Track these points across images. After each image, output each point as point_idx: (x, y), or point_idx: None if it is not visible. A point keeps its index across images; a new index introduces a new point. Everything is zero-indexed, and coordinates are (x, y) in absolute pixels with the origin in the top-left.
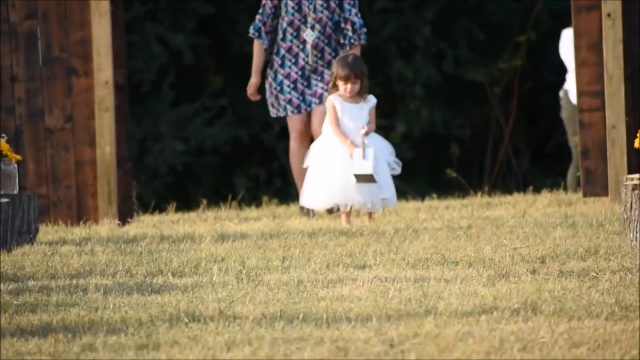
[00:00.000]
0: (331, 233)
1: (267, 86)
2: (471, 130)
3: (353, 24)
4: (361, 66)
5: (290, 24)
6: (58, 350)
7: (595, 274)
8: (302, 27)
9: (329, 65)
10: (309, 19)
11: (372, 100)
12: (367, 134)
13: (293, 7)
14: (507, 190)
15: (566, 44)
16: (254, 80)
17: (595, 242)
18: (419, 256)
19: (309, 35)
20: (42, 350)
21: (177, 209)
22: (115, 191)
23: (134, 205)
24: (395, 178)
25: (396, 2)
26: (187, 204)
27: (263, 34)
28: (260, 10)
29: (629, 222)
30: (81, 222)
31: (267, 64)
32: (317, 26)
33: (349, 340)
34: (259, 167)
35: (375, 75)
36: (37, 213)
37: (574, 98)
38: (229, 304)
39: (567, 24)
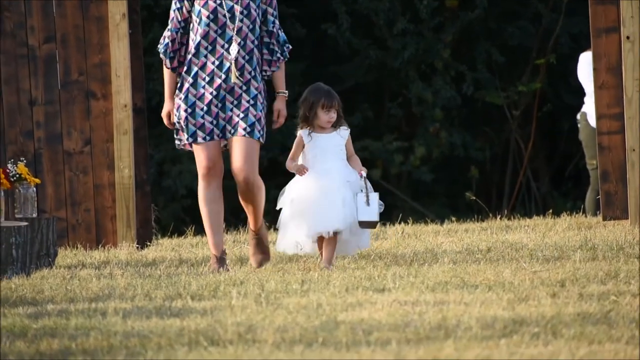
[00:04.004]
0: (350, 256)
1: (175, 109)
2: (490, 153)
3: (277, 36)
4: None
5: (205, 36)
6: None
7: (615, 298)
8: (219, 39)
9: (247, 87)
10: (227, 30)
11: (347, 130)
12: (365, 176)
13: (208, 17)
14: (527, 213)
15: (584, 67)
16: (169, 106)
17: (616, 265)
18: (438, 279)
19: (234, 50)
20: None
21: (196, 232)
22: (134, 214)
23: (153, 228)
24: (415, 201)
25: (416, 25)
26: None
27: (169, 52)
28: (169, 26)
29: None
30: (100, 246)
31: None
32: (237, 38)
33: None
34: (277, 190)
35: (394, 97)
36: (56, 236)
37: (592, 121)
38: (248, 328)
39: (586, 47)
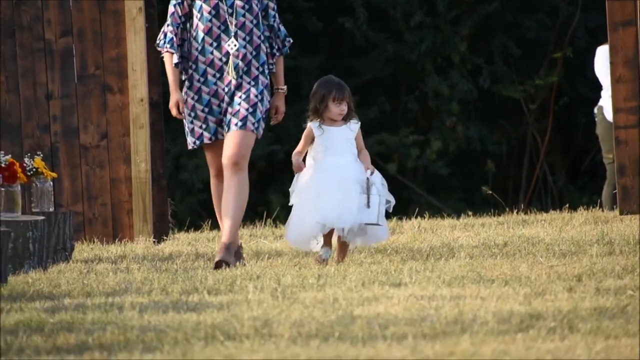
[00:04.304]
0: (366, 251)
1: (186, 111)
2: (507, 147)
3: (278, 31)
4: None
5: (209, 32)
6: None
7: (632, 292)
8: (223, 36)
9: (256, 82)
10: (230, 27)
11: (357, 123)
12: (371, 173)
13: (210, 12)
14: (543, 207)
15: (600, 61)
16: (177, 96)
17: (632, 260)
18: (454, 274)
19: (232, 46)
20: None
21: (213, 226)
22: (150, 208)
23: (169, 222)
24: (431, 195)
25: (432, 18)
26: None
27: (176, 46)
28: (169, 21)
29: None
30: (116, 240)
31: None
32: (241, 33)
33: (385, 359)
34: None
35: (411, 91)
36: (72, 231)
37: (608, 115)
38: (264, 322)
39: (603, 40)
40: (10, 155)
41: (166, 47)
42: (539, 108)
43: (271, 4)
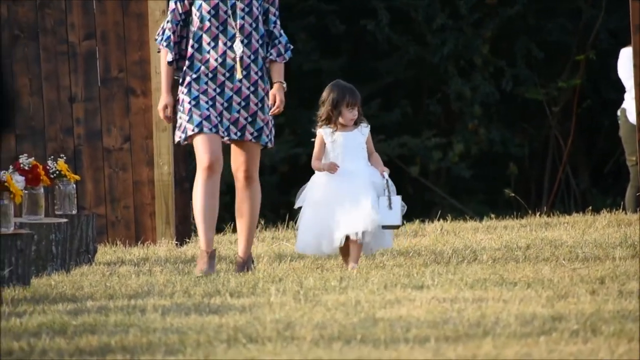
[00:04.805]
0: (389, 253)
1: (178, 104)
2: (529, 150)
3: (279, 37)
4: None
5: (207, 31)
6: None
7: None
8: (221, 36)
9: (255, 88)
10: (229, 28)
11: (367, 127)
12: (387, 177)
13: (209, 12)
14: (566, 210)
15: (624, 63)
16: (168, 100)
17: None
18: (477, 277)
19: (238, 48)
20: None
21: (235, 229)
22: (173, 211)
23: (192, 225)
24: (453, 198)
25: (455, 21)
26: None
27: (172, 44)
28: (169, 17)
29: None
30: (139, 242)
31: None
32: (239, 35)
33: None
34: None
35: (433, 93)
36: (95, 233)
37: (631, 117)
38: (286, 325)
39: (627, 42)
40: (33, 158)
41: (162, 44)
42: (561, 111)
43: (272, 9)
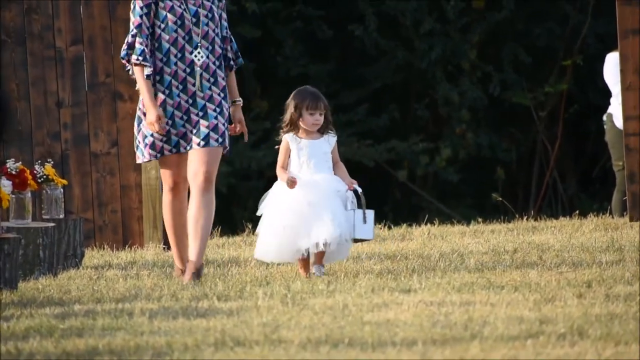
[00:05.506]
0: (376, 257)
1: (144, 124)
2: (517, 154)
3: (231, 42)
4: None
5: (174, 43)
6: None
7: None
8: (187, 46)
9: (225, 94)
10: (194, 36)
11: (334, 137)
12: (361, 191)
13: (175, 22)
14: (553, 214)
15: (610, 68)
16: (158, 112)
17: None
18: (464, 280)
19: (199, 57)
20: None
21: (222, 233)
22: (160, 215)
23: None
24: (441, 202)
25: (442, 25)
26: (232, 228)
27: (148, 58)
28: (135, 31)
29: None
30: (126, 247)
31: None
32: (204, 43)
33: None
34: None
35: (421, 98)
36: (82, 237)
37: (618, 122)
38: (274, 328)
39: (613, 47)
40: (20, 163)
41: (139, 60)
42: (548, 115)
43: (224, 15)
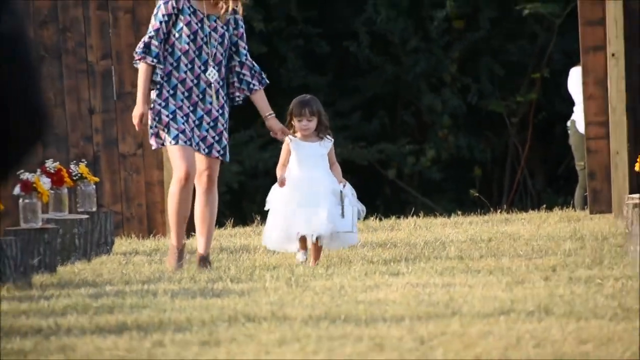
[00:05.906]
0: (369, 245)
1: (152, 115)
2: (492, 155)
3: (251, 68)
4: (317, 104)
5: (185, 53)
6: (132, 346)
7: (600, 281)
8: (197, 60)
9: (222, 111)
10: (203, 54)
11: (330, 141)
12: (344, 186)
13: (188, 36)
14: (523, 208)
15: (574, 81)
16: (144, 109)
17: (600, 253)
18: (446, 265)
19: (213, 75)
20: (118, 346)
21: (235, 224)
22: None
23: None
24: (425, 197)
25: (427, 43)
26: (243, 220)
27: (162, 61)
28: (152, 34)
29: (630, 236)
30: (151, 236)
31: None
32: (211, 62)
33: (385, 338)
34: None
35: (407, 106)
36: (113, 227)
37: (580, 127)
38: (279, 307)
39: (576, 62)
40: (58, 162)
41: (154, 62)
42: (520, 121)
43: (242, 43)
